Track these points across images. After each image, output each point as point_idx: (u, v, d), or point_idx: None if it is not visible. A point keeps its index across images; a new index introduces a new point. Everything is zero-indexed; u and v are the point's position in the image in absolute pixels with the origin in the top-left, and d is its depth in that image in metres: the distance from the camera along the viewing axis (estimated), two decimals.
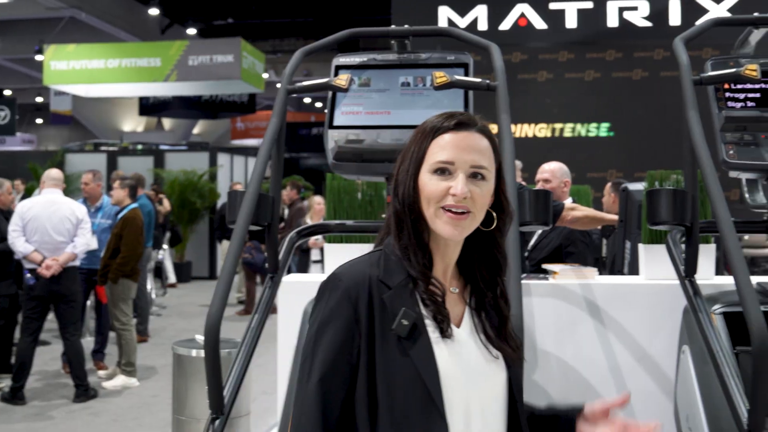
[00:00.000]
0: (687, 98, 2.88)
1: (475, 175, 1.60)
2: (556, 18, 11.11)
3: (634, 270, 4.11)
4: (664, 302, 3.34)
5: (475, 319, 1.67)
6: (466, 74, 3.11)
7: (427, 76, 3.11)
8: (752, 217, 3.25)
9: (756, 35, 3.27)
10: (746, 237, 9.74)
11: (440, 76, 2.92)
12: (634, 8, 10.76)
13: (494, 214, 1.66)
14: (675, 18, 10.56)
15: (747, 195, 3.22)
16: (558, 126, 11.19)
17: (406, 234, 1.62)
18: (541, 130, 11.26)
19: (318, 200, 9.80)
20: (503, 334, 1.68)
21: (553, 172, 5.04)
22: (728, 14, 9.91)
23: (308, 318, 1.75)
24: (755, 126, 2.98)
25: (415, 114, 3.08)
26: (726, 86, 3.10)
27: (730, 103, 3.06)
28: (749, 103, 3.05)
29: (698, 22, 3.20)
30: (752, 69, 2.88)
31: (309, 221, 9.75)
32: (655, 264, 3.47)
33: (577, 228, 4.58)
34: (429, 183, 1.60)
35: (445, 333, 1.57)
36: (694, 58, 3.18)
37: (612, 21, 10.84)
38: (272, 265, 3.10)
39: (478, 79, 3.00)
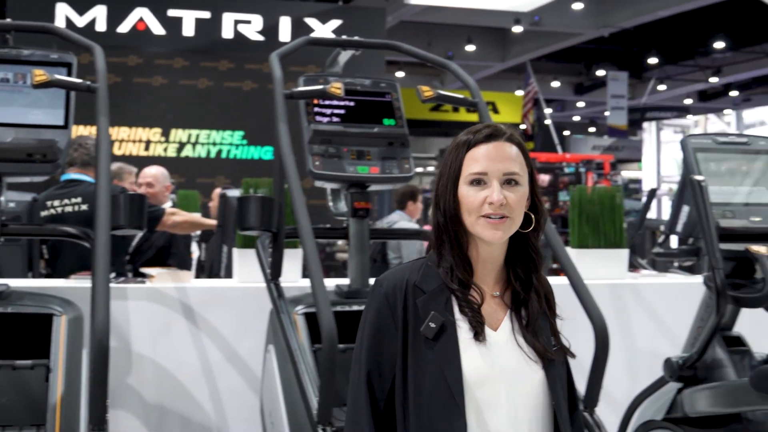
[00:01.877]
0: (278, 111, 3.01)
1: (509, 182, 1.69)
2: (173, 24, 11.03)
3: (230, 274, 4.22)
4: (254, 304, 3.47)
5: (515, 321, 1.72)
6: (69, 74, 2.99)
7: (27, 74, 2.93)
8: (336, 224, 3.51)
9: (344, 56, 3.53)
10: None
11: (39, 74, 2.78)
12: (248, 22, 11.08)
13: (532, 216, 1.73)
14: (285, 35, 11.06)
15: (331, 204, 3.47)
16: (176, 132, 11.11)
17: (447, 245, 1.70)
18: (155, 135, 11.10)
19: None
20: (544, 335, 1.71)
21: (155, 176, 5.02)
22: (331, 35, 10.63)
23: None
24: (339, 140, 3.19)
25: (13, 112, 2.91)
26: (315, 102, 3.30)
27: (318, 118, 3.26)
28: (335, 119, 3.28)
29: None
30: (337, 87, 3.10)
31: None
32: (248, 268, 3.60)
33: (178, 232, 4.60)
34: (467, 195, 1.68)
35: (478, 337, 1.65)
36: (298, 74, 3.36)
37: (227, 32, 11.05)
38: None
39: (79, 80, 2.91)
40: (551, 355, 1.71)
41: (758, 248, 2.77)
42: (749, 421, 2.79)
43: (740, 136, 3.13)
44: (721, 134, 3.13)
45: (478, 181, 1.69)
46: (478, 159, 1.70)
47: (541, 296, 1.75)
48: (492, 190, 1.67)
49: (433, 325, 1.65)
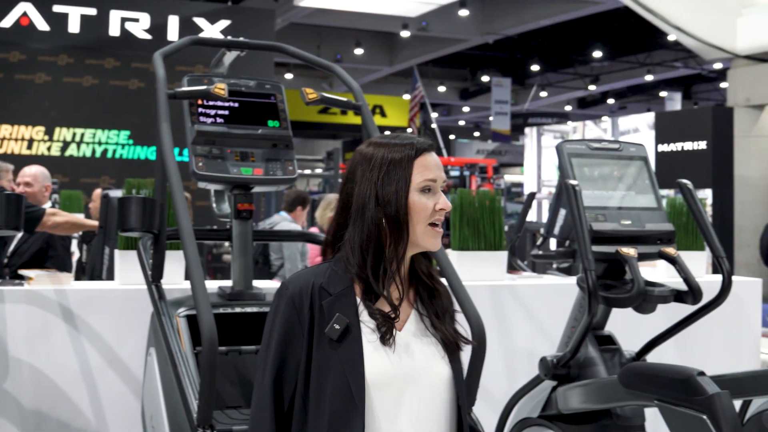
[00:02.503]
0: (161, 111, 2.96)
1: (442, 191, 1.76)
2: (59, 21, 10.72)
3: (112, 275, 4.12)
4: (136, 306, 3.40)
5: (419, 319, 1.76)
6: None
7: None
8: (221, 226, 3.47)
9: (229, 57, 3.50)
10: None
11: None
12: (136, 20, 10.86)
13: None
14: (173, 34, 10.90)
15: (215, 205, 3.43)
16: (60, 130, 10.74)
17: (392, 246, 1.71)
18: (38, 133, 10.72)
19: None
20: (447, 328, 1.74)
21: (34, 176, 4.87)
22: (220, 35, 10.53)
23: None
24: (223, 141, 3.16)
25: None
26: (199, 102, 3.26)
27: (202, 118, 3.21)
28: (218, 120, 3.24)
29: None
30: (221, 88, 3.07)
31: None
32: (129, 269, 3.53)
33: (58, 233, 4.47)
34: (419, 202, 1.71)
35: (386, 339, 1.68)
36: (185, 74, 3.30)
37: (114, 30, 10.79)
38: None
39: None
40: (459, 344, 1.78)
41: (628, 250, 2.90)
42: (618, 416, 2.91)
43: (612, 142, 3.27)
44: (594, 140, 3.25)
45: (428, 189, 1.74)
46: (429, 167, 1.75)
47: (440, 290, 1.82)
48: (439, 196, 1.74)
49: (337, 326, 1.67)
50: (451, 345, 1.76)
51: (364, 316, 1.71)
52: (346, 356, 1.66)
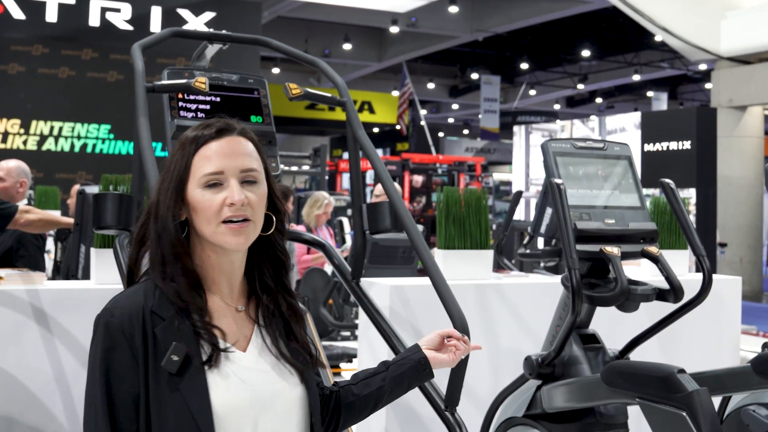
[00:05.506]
0: (139, 104, 2.91)
1: (247, 181, 1.54)
2: (36, 9, 10.57)
3: (88, 275, 4.05)
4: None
5: (265, 336, 1.57)
6: None
7: None
8: None
9: (211, 50, 3.45)
10: None
11: None
12: (117, 10, 10.74)
13: (273, 217, 1.58)
14: (156, 25, 10.80)
15: None
16: (37, 123, 10.61)
17: (170, 260, 1.50)
18: (14, 126, 10.58)
19: None
20: (295, 344, 1.58)
21: (9, 170, 4.77)
22: (204, 27, 10.44)
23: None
24: None
25: None
26: (180, 96, 3.21)
27: (182, 113, 3.16)
28: (200, 114, 3.19)
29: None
30: (202, 81, 3.01)
31: None
32: (106, 268, 3.45)
33: (31, 231, 4.39)
34: (202, 200, 1.50)
35: (212, 363, 1.49)
36: (167, 67, 3.24)
37: (94, 20, 10.66)
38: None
39: None
40: (309, 366, 1.61)
41: (611, 249, 2.88)
42: (601, 414, 2.90)
43: (597, 141, 3.24)
44: (579, 139, 3.23)
45: (213, 184, 1.53)
46: (211, 157, 1.53)
47: (285, 303, 1.62)
48: (231, 189, 1.52)
49: (175, 357, 1.46)
50: (297, 365, 1.59)
51: (203, 339, 1.52)
52: (189, 390, 1.47)
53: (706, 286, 2.91)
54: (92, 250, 3.55)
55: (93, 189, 4.37)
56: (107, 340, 1.49)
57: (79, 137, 10.83)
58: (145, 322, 1.49)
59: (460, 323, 2.40)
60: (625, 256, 2.95)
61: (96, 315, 1.55)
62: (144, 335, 1.49)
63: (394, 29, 18.77)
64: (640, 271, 4.35)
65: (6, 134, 10.57)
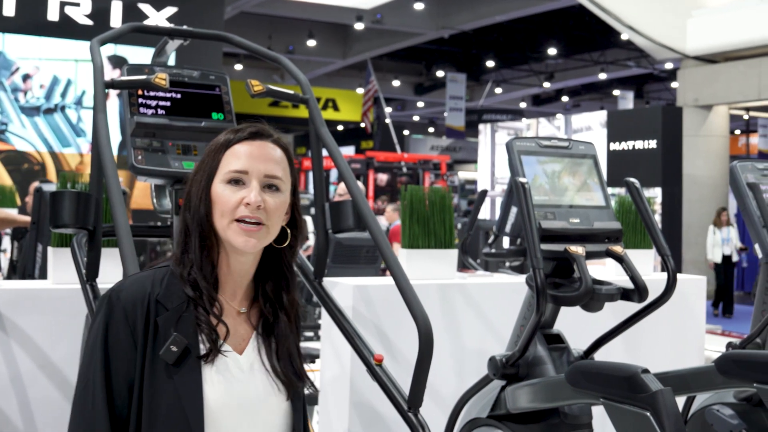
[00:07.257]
0: (97, 101, 2.86)
1: (269, 186, 1.55)
2: None
3: (45, 274, 3.97)
4: (69, 307, 3.26)
5: (261, 344, 1.57)
6: None
7: None
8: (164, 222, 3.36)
9: (172, 45, 3.40)
10: None
11: None
12: (77, 4, 10.54)
13: (288, 231, 1.58)
14: (116, 20, 10.62)
15: (155, 200, 3.31)
16: None
17: (193, 249, 1.53)
18: None
19: None
20: (292, 361, 1.57)
21: None
22: (166, 23, 10.31)
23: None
24: (163, 133, 3.06)
25: None
26: (140, 92, 3.15)
27: (142, 109, 3.10)
28: (160, 111, 3.14)
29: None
30: (162, 78, 2.96)
31: None
32: (63, 268, 3.39)
33: None
34: (222, 194, 1.53)
35: (207, 359, 1.50)
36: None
37: (53, 14, 10.46)
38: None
39: None
40: (298, 386, 1.62)
41: (576, 249, 2.87)
42: (566, 414, 2.90)
43: (563, 140, 3.24)
44: (544, 138, 3.23)
45: (236, 181, 1.55)
46: (240, 156, 1.56)
47: (291, 318, 1.63)
48: (250, 189, 1.54)
49: (174, 348, 1.49)
50: (285, 383, 1.60)
51: (204, 333, 1.54)
52: (183, 383, 1.49)
53: (670, 286, 2.92)
54: (49, 249, 3.48)
55: (50, 187, 4.28)
56: (110, 319, 1.52)
57: None
58: (149, 310, 1.52)
59: (423, 323, 2.38)
60: (590, 255, 2.95)
61: (102, 294, 1.57)
62: (146, 323, 1.51)
63: (359, 26, 18.73)
64: (604, 270, 4.37)
65: None
